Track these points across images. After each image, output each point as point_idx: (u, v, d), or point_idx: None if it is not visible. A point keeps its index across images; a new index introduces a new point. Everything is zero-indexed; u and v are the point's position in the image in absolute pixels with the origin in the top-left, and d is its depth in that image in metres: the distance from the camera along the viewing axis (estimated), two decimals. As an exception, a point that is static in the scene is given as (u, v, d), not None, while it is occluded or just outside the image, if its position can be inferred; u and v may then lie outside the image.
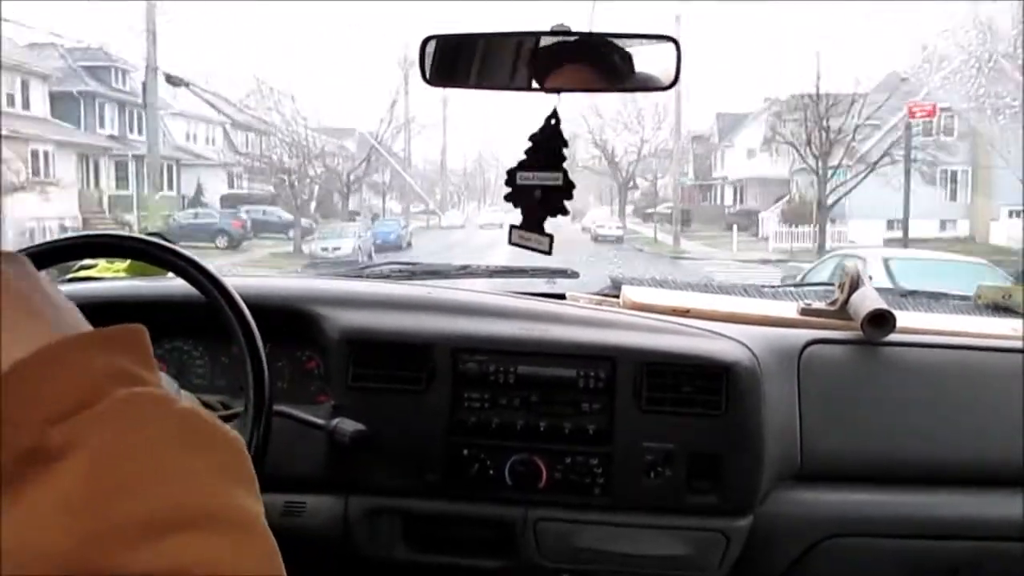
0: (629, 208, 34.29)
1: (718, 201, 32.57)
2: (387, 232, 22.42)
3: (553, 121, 1.28)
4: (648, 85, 1.32)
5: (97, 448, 0.44)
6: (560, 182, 1.30)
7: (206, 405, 1.37)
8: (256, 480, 0.50)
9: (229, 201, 24.31)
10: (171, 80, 20.30)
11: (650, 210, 31.14)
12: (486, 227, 26.44)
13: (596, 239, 23.60)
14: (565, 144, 1.30)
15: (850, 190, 19.52)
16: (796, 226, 21.80)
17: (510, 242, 1.33)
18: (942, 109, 19.01)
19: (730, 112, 31.79)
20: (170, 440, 0.46)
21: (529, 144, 1.30)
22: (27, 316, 0.50)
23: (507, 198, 1.32)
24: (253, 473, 0.50)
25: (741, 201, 29.91)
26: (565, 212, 1.32)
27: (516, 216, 1.33)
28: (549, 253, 1.33)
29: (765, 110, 26.82)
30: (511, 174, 1.31)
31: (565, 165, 1.31)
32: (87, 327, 0.53)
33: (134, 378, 0.49)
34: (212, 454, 0.48)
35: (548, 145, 1.29)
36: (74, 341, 0.49)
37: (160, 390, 0.49)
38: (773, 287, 1.90)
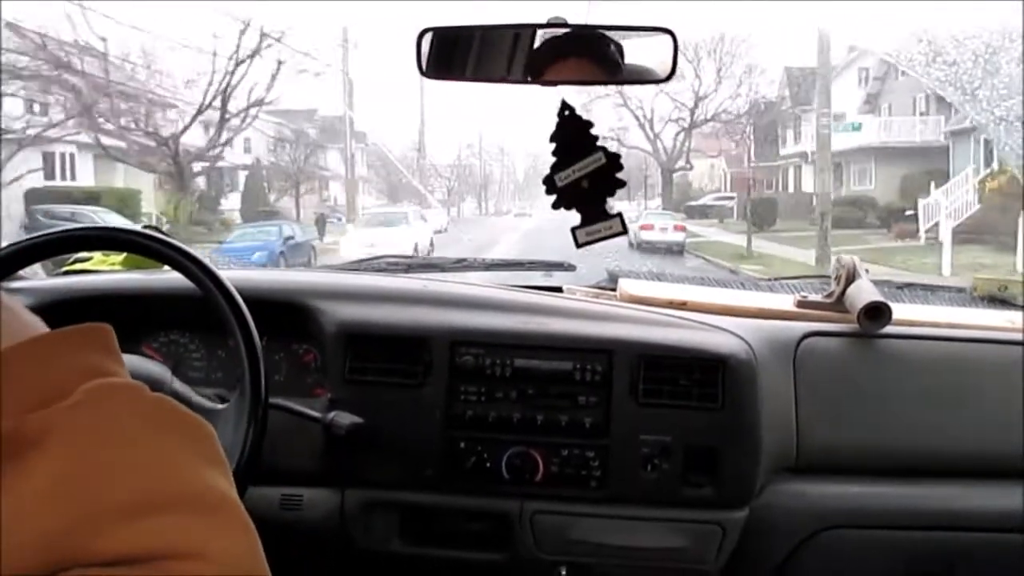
0: (656, 203, 23.24)
1: (788, 187, 22.80)
2: (248, 250, 12.38)
3: (567, 112, 1.27)
4: (644, 77, 1.32)
5: (73, 435, 0.45)
6: (603, 160, 1.27)
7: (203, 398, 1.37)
8: (227, 462, 0.51)
9: (41, 199, 14.87)
10: None
11: (692, 203, 22.43)
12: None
13: (639, 247, 15.73)
14: (591, 125, 1.28)
15: None
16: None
17: (578, 245, 1.29)
18: None
19: (803, 67, 21.20)
20: (142, 426, 0.48)
21: (552, 145, 1.28)
22: None
23: (555, 206, 1.29)
24: (223, 455, 0.52)
25: (837, 184, 20.07)
26: (623, 183, 1.29)
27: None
28: (625, 231, 1.30)
29: (853, 62, 20.15)
30: (548, 181, 1.28)
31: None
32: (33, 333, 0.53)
33: (105, 370, 0.50)
34: (183, 438, 0.49)
35: (572, 137, 1.28)
36: (43, 339, 0.50)
37: (130, 380, 0.50)
38: (769, 280, 1.90)
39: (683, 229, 17.23)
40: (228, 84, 16.67)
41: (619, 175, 1.29)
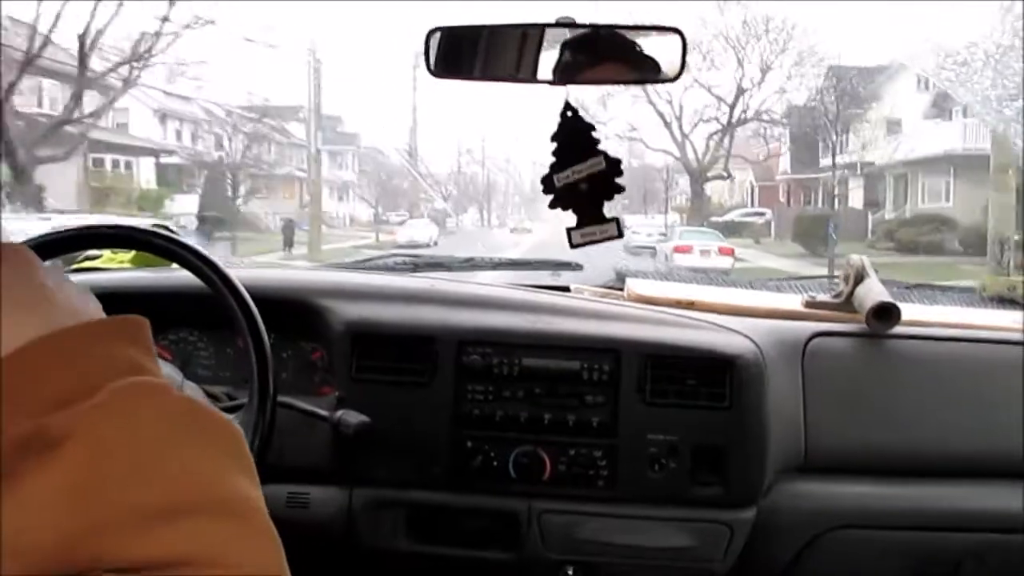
0: (673, 217, 19.49)
1: (831, 203, 18.69)
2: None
3: (569, 113, 1.27)
4: (653, 77, 1.31)
5: (97, 436, 0.44)
6: (603, 165, 1.27)
7: (210, 396, 1.37)
8: (254, 467, 0.50)
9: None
10: None
11: (717, 218, 18.23)
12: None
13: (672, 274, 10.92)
14: (592, 128, 1.28)
15: None
16: None
17: (572, 245, 1.29)
18: None
19: (851, 65, 18.20)
20: (169, 428, 0.47)
21: (553, 145, 1.28)
22: (16, 310, 0.49)
23: (552, 206, 1.29)
24: (251, 460, 0.50)
25: (898, 201, 17.04)
26: (621, 189, 1.29)
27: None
28: (620, 235, 1.30)
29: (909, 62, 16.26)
30: (547, 181, 1.28)
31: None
32: (93, 316, 0.53)
33: (135, 367, 0.48)
34: (211, 442, 0.48)
35: (573, 139, 1.27)
36: (75, 331, 0.48)
37: (159, 379, 0.49)
38: (777, 280, 1.90)
39: (731, 252, 13.98)
40: (85, 29, 11.77)
41: (619, 180, 1.28)
